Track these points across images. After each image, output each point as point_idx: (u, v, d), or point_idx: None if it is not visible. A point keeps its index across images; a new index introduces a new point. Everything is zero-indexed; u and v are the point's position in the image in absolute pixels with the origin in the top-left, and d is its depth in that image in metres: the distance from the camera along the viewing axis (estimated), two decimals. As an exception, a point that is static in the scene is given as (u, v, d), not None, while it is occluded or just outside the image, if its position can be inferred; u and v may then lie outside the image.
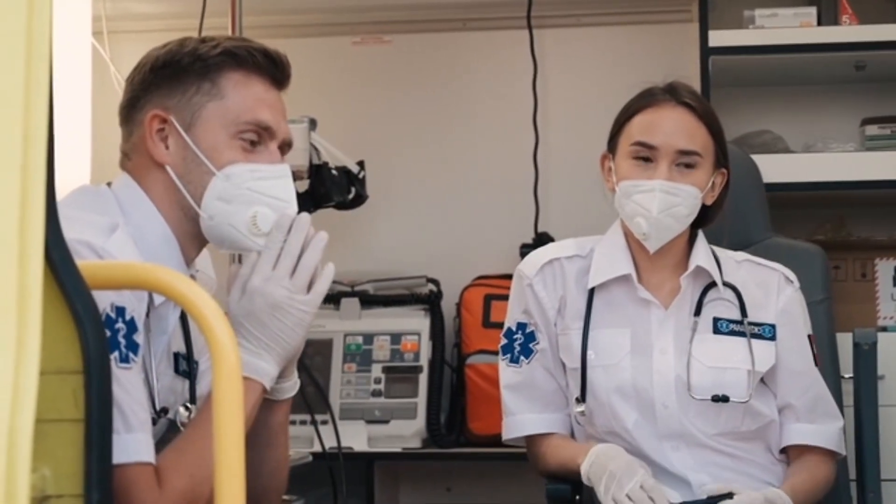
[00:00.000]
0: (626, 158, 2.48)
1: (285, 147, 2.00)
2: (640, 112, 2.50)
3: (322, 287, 1.91)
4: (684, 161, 2.46)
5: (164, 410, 1.92)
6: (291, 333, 1.88)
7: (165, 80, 1.94)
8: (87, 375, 1.34)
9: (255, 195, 1.91)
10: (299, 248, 1.90)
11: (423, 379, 3.77)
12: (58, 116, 1.32)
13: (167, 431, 1.98)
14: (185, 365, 2.00)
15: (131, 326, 1.76)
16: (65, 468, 1.32)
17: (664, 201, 2.43)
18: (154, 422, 1.88)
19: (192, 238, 1.96)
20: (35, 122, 1.20)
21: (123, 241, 1.83)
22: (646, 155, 2.46)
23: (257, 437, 1.95)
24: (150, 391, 1.88)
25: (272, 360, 1.88)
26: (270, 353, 1.87)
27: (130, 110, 1.98)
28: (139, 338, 1.78)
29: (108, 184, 1.98)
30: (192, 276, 1.99)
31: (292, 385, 2.00)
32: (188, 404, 1.98)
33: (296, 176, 3.67)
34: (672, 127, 2.47)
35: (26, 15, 1.20)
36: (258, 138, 1.94)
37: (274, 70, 1.98)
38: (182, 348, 2.00)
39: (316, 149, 3.67)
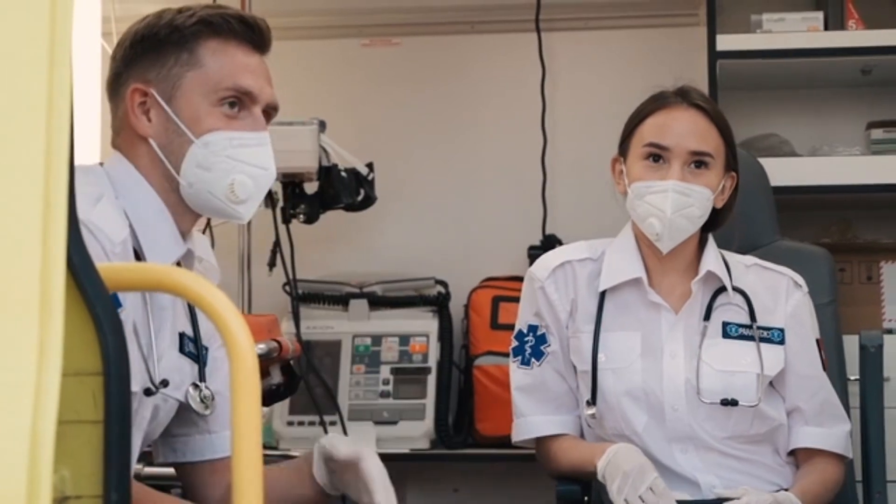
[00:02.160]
0: (638, 160, 2.49)
1: (272, 111, 2.01)
2: (652, 114, 2.51)
3: None
4: (696, 162, 2.47)
5: (164, 382, 1.94)
6: None
7: (145, 54, 1.95)
8: (106, 377, 1.35)
9: (233, 163, 1.93)
10: None
11: (432, 380, 3.78)
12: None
13: (179, 410, 2.01)
14: (192, 347, 2.02)
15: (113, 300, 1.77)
16: (84, 469, 1.33)
17: (677, 202, 2.44)
18: (150, 392, 1.91)
19: (184, 209, 1.97)
20: (58, 129, 1.22)
21: (107, 210, 1.86)
22: (658, 155, 2.47)
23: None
24: (144, 362, 1.90)
25: None
26: None
27: (114, 86, 1.99)
28: (123, 314, 1.80)
29: (101, 164, 2.00)
30: (190, 251, 2.01)
31: None
32: (198, 383, 2.01)
33: (305, 177, 3.70)
34: (684, 128, 2.48)
35: (49, 23, 1.22)
36: (240, 103, 1.95)
37: (252, 35, 1.98)
38: (189, 330, 2.02)
39: (325, 150, 3.69)
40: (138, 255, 1.90)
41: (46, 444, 1.15)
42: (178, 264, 1.97)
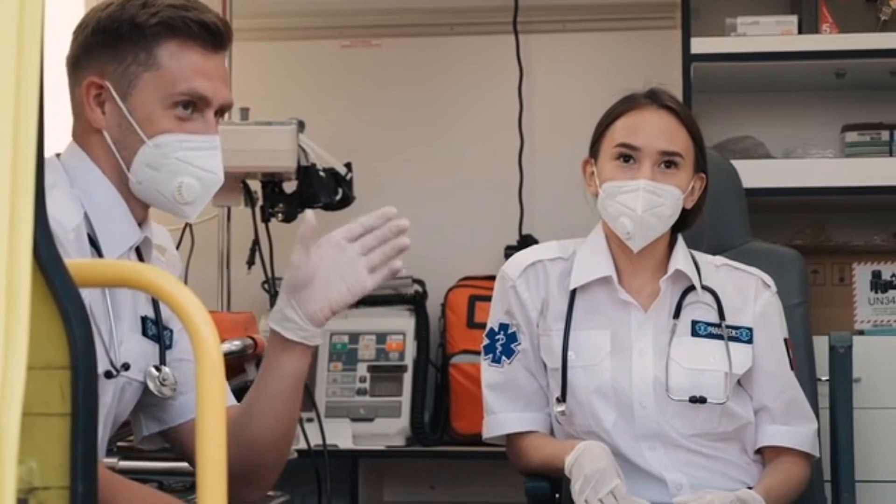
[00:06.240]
0: (609, 160, 2.52)
1: (224, 110, 2.04)
2: (623, 116, 2.53)
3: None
4: (666, 162, 2.50)
5: (126, 366, 1.97)
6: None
7: (105, 46, 1.98)
8: (73, 371, 1.36)
9: (182, 165, 1.96)
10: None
11: (408, 378, 3.80)
12: (46, 117, 1.35)
13: (143, 395, 2.03)
14: (154, 329, 2.05)
15: None
16: (51, 461, 1.34)
17: (648, 201, 2.47)
18: (111, 375, 1.93)
19: (137, 199, 2.01)
20: (25, 121, 1.23)
21: (60, 200, 1.88)
22: (629, 155, 2.50)
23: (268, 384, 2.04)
24: (103, 345, 1.92)
25: None
26: None
27: (73, 68, 2.03)
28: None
29: (58, 155, 2.03)
30: (147, 238, 2.05)
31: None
32: (158, 366, 2.04)
33: (284, 177, 3.72)
34: (654, 129, 2.50)
35: (17, 19, 1.24)
36: (193, 106, 1.98)
37: (212, 37, 2.00)
38: (150, 313, 2.05)
39: (304, 150, 3.71)
40: (93, 242, 1.94)
41: (11, 437, 1.16)
42: (138, 250, 2.02)
